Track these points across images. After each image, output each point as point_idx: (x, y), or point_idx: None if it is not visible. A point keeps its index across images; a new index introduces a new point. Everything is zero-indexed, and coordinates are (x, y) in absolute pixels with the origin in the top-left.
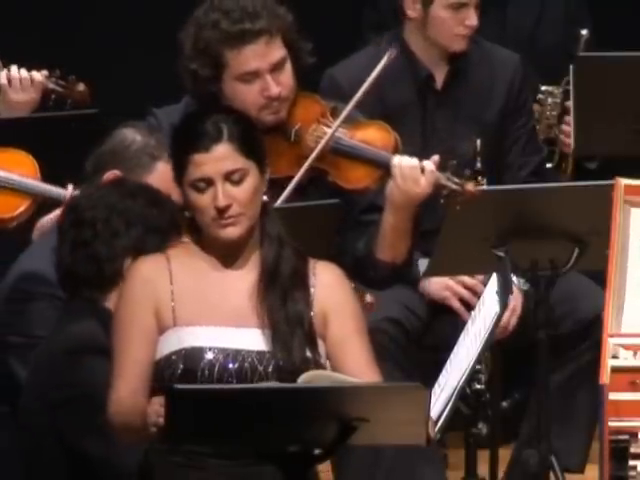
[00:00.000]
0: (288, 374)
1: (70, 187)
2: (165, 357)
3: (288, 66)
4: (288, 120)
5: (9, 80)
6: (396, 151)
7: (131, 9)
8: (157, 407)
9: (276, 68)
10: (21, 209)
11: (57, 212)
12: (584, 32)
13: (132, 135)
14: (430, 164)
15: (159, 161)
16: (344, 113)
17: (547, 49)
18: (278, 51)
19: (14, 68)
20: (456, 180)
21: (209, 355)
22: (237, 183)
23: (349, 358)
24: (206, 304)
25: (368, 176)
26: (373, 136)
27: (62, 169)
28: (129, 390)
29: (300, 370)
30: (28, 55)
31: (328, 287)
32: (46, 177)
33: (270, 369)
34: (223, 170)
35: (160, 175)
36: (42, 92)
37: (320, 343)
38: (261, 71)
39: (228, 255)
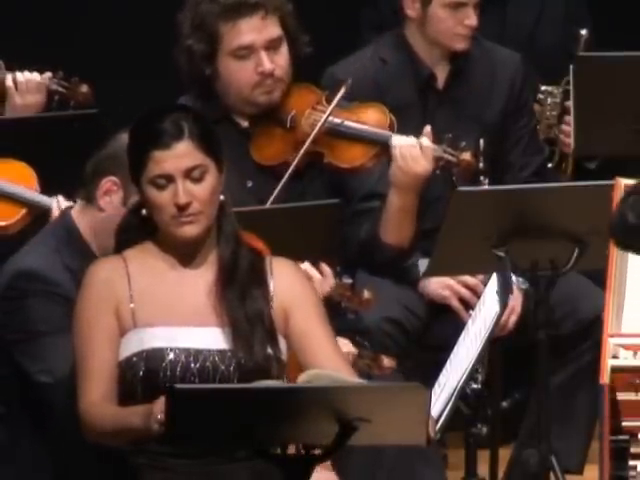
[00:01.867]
0: (250, 372)
1: (60, 198)
2: (126, 359)
3: (284, 49)
4: (283, 107)
5: (15, 84)
6: (392, 130)
7: (131, 9)
8: (162, 406)
9: (271, 46)
10: (16, 218)
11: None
12: (584, 32)
13: None
14: (426, 140)
15: None
16: (339, 95)
17: (547, 49)
18: (274, 29)
19: (19, 72)
20: (452, 151)
21: (170, 356)
22: (197, 181)
23: (316, 349)
24: (165, 305)
25: (364, 154)
26: (368, 116)
27: (62, 170)
28: (100, 393)
29: (262, 367)
30: (27, 56)
31: (286, 282)
32: (46, 179)
33: (232, 367)
34: (184, 167)
35: None
36: (46, 93)
37: (281, 339)
38: (256, 46)
39: (186, 254)
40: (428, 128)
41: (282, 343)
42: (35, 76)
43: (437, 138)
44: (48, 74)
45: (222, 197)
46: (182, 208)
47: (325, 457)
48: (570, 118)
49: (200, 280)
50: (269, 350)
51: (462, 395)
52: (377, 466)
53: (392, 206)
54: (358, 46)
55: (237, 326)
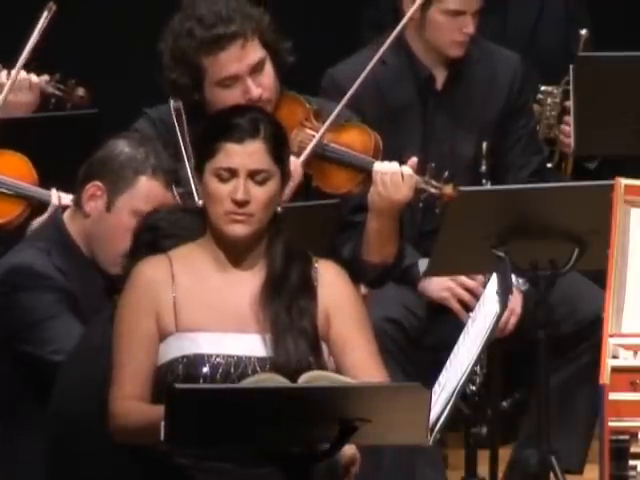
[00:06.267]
0: (290, 379)
1: (54, 191)
2: (167, 363)
3: (268, 67)
4: None
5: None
6: (377, 153)
7: (129, 10)
8: None
9: (255, 70)
10: (15, 213)
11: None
12: (583, 32)
13: (122, 147)
14: (408, 169)
15: (142, 176)
16: (328, 121)
17: (547, 49)
18: (255, 53)
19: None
20: (434, 183)
21: (211, 362)
22: (260, 184)
23: (355, 354)
24: (208, 309)
25: (350, 181)
26: (354, 139)
27: (60, 170)
28: (132, 394)
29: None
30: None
31: (330, 285)
32: (45, 178)
33: None
34: (251, 167)
35: (140, 191)
36: (42, 96)
37: (324, 346)
38: (240, 74)
39: (232, 257)
40: (414, 159)
41: (325, 350)
42: (30, 75)
43: (420, 168)
44: (45, 77)
45: (279, 209)
46: (238, 204)
47: (325, 457)
48: (570, 118)
49: (245, 286)
50: (311, 359)
51: (462, 395)
52: (377, 466)
53: (371, 229)
54: (358, 46)
55: (280, 338)
